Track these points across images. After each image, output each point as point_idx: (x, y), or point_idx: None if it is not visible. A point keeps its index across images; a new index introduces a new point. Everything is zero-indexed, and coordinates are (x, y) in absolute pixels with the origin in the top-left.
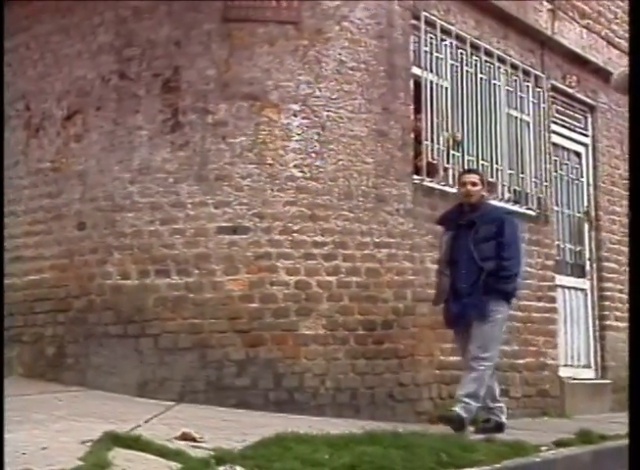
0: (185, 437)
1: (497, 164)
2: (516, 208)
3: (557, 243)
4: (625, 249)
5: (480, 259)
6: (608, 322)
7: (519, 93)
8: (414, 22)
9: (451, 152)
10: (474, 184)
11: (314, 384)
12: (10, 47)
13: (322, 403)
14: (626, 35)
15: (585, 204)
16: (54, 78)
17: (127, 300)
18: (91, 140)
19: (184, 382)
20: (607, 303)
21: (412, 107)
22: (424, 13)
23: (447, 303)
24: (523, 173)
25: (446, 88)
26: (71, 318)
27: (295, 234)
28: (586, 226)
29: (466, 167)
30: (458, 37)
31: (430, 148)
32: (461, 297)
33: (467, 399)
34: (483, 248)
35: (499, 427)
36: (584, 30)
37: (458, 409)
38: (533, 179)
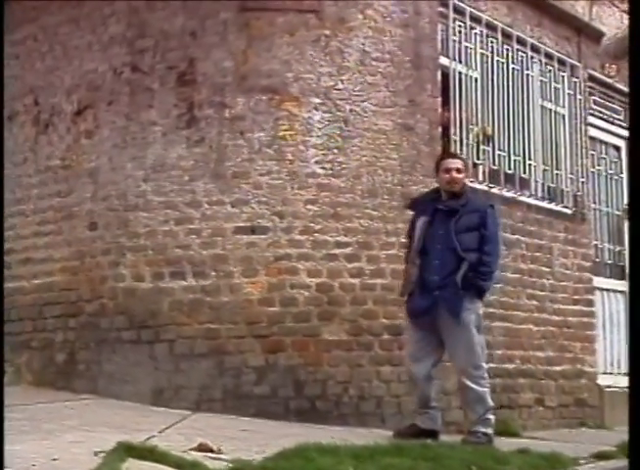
0: (202, 448)
1: (530, 159)
2: (551, 206)
3: (595, 243)
4: None
5: (461, 249)
6: None
7: (553, 84)
8: (442, 9)
9: (481, 147)
10: (459, 171)
11: (337, 392)
12: (17, 39)
13: (345, 412)
14: None
15: (625, 201)
16: (63, 72)
17: (141, 303)
18: (102, 136)
19: (200, 390)
20: None
21: (440, 99)
22: (452, 0)
23: (412, 295)
24: (558, 169)
25: (476, 79)
26: (83, 323)
27: (316, 234)
28: (626, 225)
29: (450, 151)
30: (488, 25)
31: (458, 143)
32: (431, 289)
33: (482, 418)
34: (465, 238)
35: (429, 434)
36: (624, 15)
37: (483, 429)
38: (569, 175)
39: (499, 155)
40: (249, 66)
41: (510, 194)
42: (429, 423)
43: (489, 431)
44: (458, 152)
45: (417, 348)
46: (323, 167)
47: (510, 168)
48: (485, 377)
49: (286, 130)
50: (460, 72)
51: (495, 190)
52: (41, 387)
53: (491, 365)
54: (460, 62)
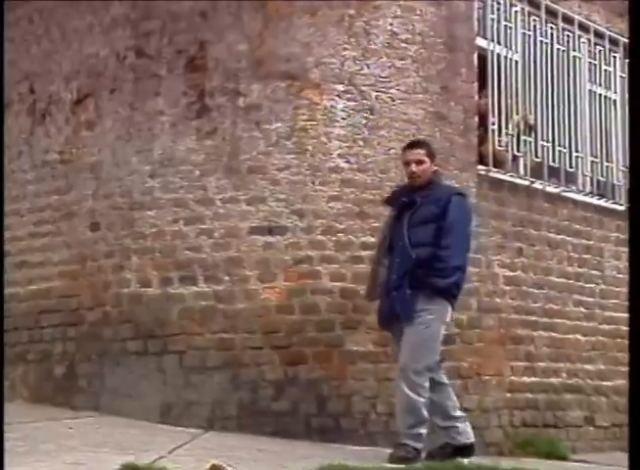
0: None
1: (578, 151)
2: (601, 202)
3: None
4: None
5: (410, 246)
6: None
7: (604, 66)
8: None
9: (522, 138)
10: (419, 162)
11: (363, 408)
12: (11, 21)
13: (373, 431)
14: None
15: None
16: (61, 57)
17: (148, 311)
18: (105, 127)
19: (213, 406)
20: None
21: (476, 85)
22: None
23: (380, 299)
24: (608, 161)
25: (517, 62)
26: (84, 333)
27: (340, 234)
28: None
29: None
30: (531, 2)
31: (497, 133)
32: (390, 291)
33: (412, 431)
34: (418, 232)
35: (461, 451)
36: None
37: (413, 443)
38: (621, 168)
39: (542, 146)
40: (265, 49)
41: (554, 189)
42: (459, 438)
43: (419, 446)
44: (496, 143)
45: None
46: (347, 161)
47: (555, 161)
48: (426, 387)
49: (306, 120)
50: (499, 55)
51: (538, 185)
52: (38, 403)
53: (534, 379)
54: (499, 43)
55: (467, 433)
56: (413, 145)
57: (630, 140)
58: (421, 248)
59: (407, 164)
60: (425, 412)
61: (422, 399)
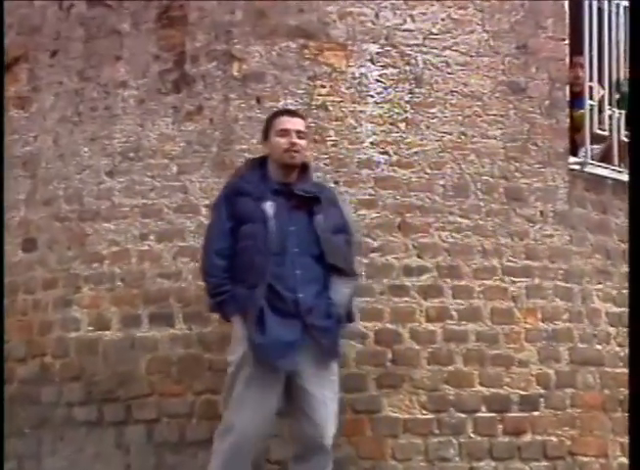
0: None
1: None
2: None
3: None
4: None
5: (343, 259)
6: None
7: None
8: None
9: None
10: (300, 136)
11: None
12: None
13: None
14: None
15: None
16: None
17: (104, 364)
18: (43, 105)
19: None
20: None
21: (567, 43)
22: None
23: (255, 322)
24: None
25: (625, 9)
26: (13, 395)
27: (374, 254)
28: None
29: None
30: None
31: (596, 110)
32: (292, 314)
33: None
34: (340, 242)
35: None
36: None
37: None
38: None
39: None
40: None
41: None
42: None
43: None
44: (596, 125)
45: (255, 406)
46: (384, 152)
47: None
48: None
49: (326, 95)
50: (600, 1)
51: None
52: None
53: None
54: None
55: None
56: (291, 112)
57: (631, 140)
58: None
59: (285, 133)
60: None
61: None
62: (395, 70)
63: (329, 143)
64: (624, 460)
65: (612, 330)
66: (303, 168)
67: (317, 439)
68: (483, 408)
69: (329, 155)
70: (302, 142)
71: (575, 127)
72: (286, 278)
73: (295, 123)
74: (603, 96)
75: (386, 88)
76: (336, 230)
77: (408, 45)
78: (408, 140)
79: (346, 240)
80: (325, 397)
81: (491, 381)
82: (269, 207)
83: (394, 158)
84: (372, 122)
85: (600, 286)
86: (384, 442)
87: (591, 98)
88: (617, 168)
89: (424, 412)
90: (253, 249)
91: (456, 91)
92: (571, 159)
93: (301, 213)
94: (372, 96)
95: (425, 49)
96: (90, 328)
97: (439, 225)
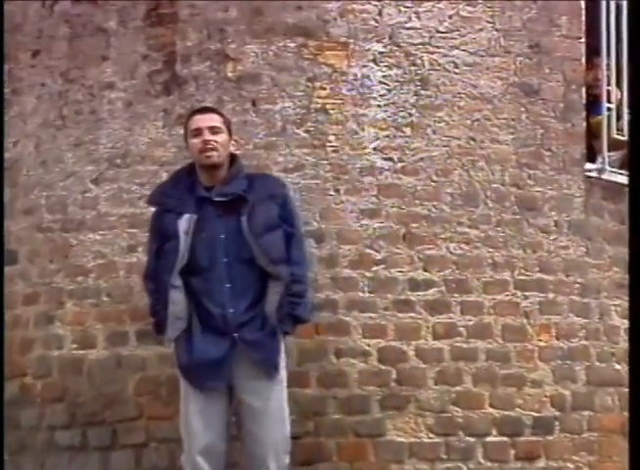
0: None
1: None
2: None
3: None
4: None
5: (269, 262)
6: None
7: None
8: None
9: None
10: (215, 131)
11: None
12: None
13: None
14: None
15: None
16: None
17: (89, 384)
18: (24, 108)
19: None
20: None
21: (583, 41)
22: None
23: (182, 339)
24: None
25: None
26: None
27: (377, 267)
28: None
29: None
30: None
31: (616, 115)
32: (225, 329)
33: None
34: (268, 243)
35: None
36: None
37: None
38: None
39: None
40: None
41: None
42: None
43: None
44: (615, 130)
45: (202, 425)
46: (388, 158)
47: None
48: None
49: (326, 98)
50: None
51: None
52: None
53: None
54: None
55: None
56: (203, 109)
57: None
58: (281, 265)
59: (197, 133)
60: None
61: None
62: (400, 71)
63: (329, 149)
64: None
65: None
66: (234, 164)
67: (261, 458)
68: (494, 432)
69: (329, 161)
70: (218, 138)
71: (593, 134)
72: (214, 294)
73: (206, 120)
74: (622, 100)
75: (389, 90)
76: (268, 228)
77: (413, 44)
78: (414, 145)
79: (287, 234)
80: (268, 408)
81: (502, 402)
82: (184, 221)
83: (399, 164)
84: (375, 127)
85: (618, 301)
86: (388, 467)
87: (609, 102)
88: None
89: (431, 436)
90: (164, 268)
91: (464, 93)
92: (588, 165)
93: (231, 218)
94: (375, 98)
95: (431, 48)
96: (74, 346)
97: (447, 236)
